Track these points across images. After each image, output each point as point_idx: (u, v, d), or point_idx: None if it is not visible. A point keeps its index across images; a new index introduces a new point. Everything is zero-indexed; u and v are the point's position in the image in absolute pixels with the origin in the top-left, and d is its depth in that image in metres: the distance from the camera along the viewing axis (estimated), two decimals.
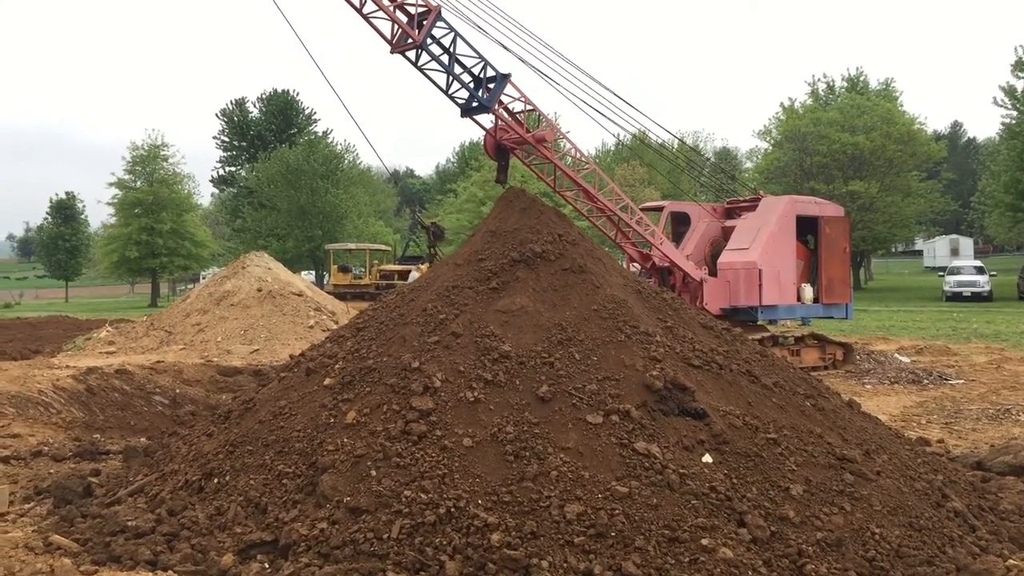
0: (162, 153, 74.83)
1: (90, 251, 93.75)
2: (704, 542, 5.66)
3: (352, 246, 52.27)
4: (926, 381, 16.99)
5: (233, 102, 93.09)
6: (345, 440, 6.65)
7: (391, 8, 14.82)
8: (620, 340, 7.45)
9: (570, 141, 18.48)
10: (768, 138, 66.00)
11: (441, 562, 5.59)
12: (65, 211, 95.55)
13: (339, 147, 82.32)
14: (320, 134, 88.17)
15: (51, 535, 6.79)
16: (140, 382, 14.64)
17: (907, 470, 7.27)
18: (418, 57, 15.44)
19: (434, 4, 15.15)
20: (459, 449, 6.33)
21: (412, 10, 15.03)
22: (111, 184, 73.98)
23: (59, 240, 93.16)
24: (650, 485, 6.07)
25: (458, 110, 16.38)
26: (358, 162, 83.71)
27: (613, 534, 5.70)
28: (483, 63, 15.91)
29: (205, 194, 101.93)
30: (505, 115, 16.67)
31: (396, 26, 15.03)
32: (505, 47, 15.65)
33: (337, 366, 7.79)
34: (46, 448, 10.33)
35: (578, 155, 18.45)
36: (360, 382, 7.34)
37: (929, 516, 6.50)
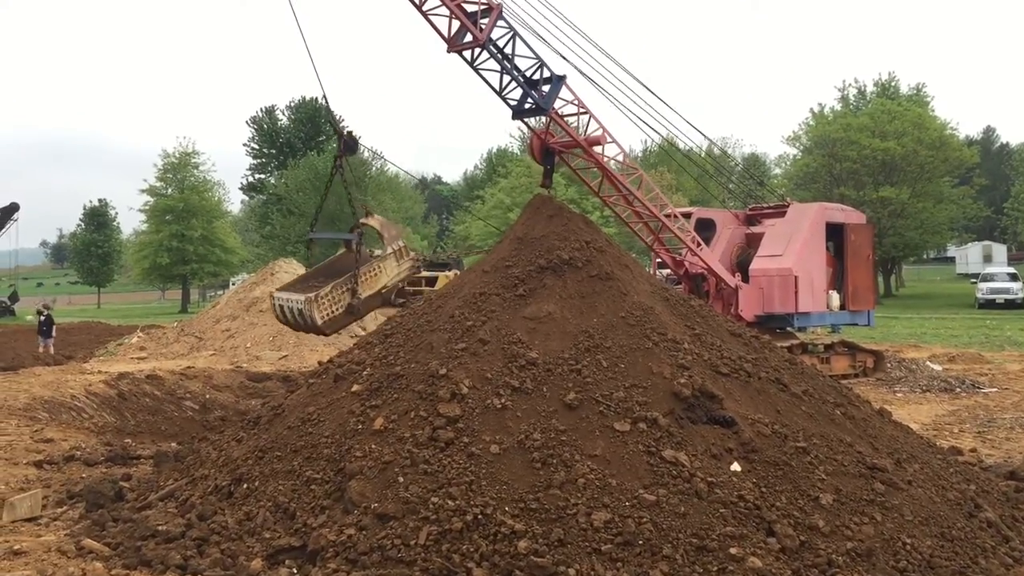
0: (193, 161, 75.66)
1: (122, 257, 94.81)
2: (732, 551, 5.62)
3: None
4: (958, 389, 16.77)
5: (263, 110, 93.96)
6: (373, 446, 6.68)
7: (453, 4, 14.28)
8: (647, 347, 7.43)
9: (619, 145, 18.31)
10: (797, 144, 65.47)
11: (468, 569, 5.59)
12: (98, 218, 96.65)
13: (367, 154, 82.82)
14: None
15: (83, 539, 6.87)
16: (171, 387, 14.79)
17: (939, 480, 7.18)
18: (475, 57, 15.00)
19: (496, 2, 14.74)
20: (486, 456, 6.34)
21: (471, 7, 14.58)
22: (143, 191, 74.89)
23: (92, 247, 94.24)
24: (678, 493, 6.04)
25: (501, 112, 16.06)
26: (386, 169, 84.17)
27: (640, 542, 5.68)
28: (539, 64, 15.45)
29: (235, 201, 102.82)
30: (559, 117, 16.46)
31: (454, 24, 14.52)
32: (559, 53, 15.37)
33: (365, 373, 7.82)
34: (78, 452, 10.44)
35: (626, 160, 18.17)
36: (388, 389, 7.36)
37: (961, 526, 6.42)
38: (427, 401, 6.93)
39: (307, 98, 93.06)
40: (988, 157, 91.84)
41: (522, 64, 15.37)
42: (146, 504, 7.70)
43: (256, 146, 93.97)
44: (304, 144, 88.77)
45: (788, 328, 19.42)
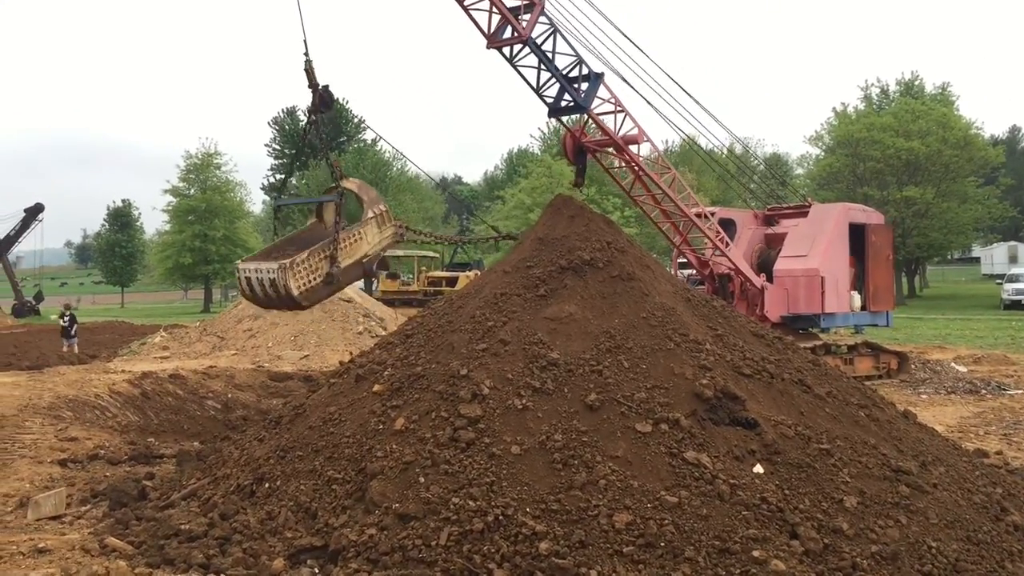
0: (215, 161, 76.09)
1: (145, 258, 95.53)
2: (755, 554, 5.58)
3: (400, 253, 52.42)
4: (984, 391, 16.61)
5: (284, 111, 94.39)
6: (394, 447, 6.68)
7: None
8: (669, 348, 7.39)
9: (654, 145, 18.12)
10: (820, 144, 65.05)
11: (489, 570, 5.58)
12: (121, 218, 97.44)
13: (387, 155, 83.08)
14: (369, 142, 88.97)
15: (107, 537, 6.92)
16: (193, 387, 14.86)
17: (965, 483, 7.10)
18: (515, 53, 14.82)
19: None
20: (507, 457, 6.33)
21: (512, 3, 14.35)
22: (165, 191, 75.42)
23: (115, 247, 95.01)
24: (700, 495, 6.00)
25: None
26: (406, 169, 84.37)
27: (663, 544, 5.65)
28: (578, 61, 15.28)
29: (257, 201, 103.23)
30: (596, 116, 16.07)
31: (494, 19, 14.40)
32: (593, 51, 15.18)
33: (386, 373, 7.83)
34: (102, 452, 10.52)
35: (660, 159, 17.87)
36: (409, 389, 7.37)
37: (988, 530, 6.35)
38: (448, 401, 6.93)
39: None
40: (1014, 156, 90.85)
41: (559, 62, 15.09)
42: (169, 503, 7.74)
43: (278, 147, 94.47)
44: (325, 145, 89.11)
45: (812, 329, 19.35)
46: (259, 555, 6.19)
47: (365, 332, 23.99)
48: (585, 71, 15.28)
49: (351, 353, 13.86)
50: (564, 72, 15.16)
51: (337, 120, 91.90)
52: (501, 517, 5.87)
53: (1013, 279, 49.88)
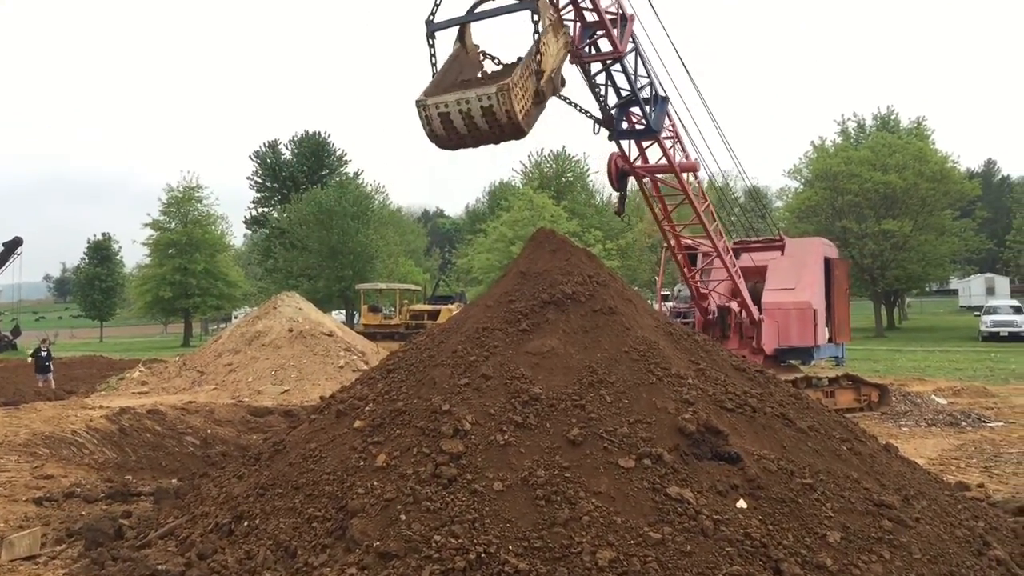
0: (196, 195, 75.91)
1: (125, 291, 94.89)
2: None
3: (382, 286, 52.47)
4: (964, 423, 16.67)
5: (266, 144, 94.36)
6: (375, 483, 6.62)
7: (601, 9, 12.68)
8: (651, 382, 7.39)
9: (709, 172, 17.99)
10: (799, 177, 65.67)
11: None
12: (101, 252, 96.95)
13: (370, 188, 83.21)
14: (351, 175, 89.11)
15: None
16: (172, 422, 14.72)
17: (947, 516, 7.11)
18: (597, 70, 13.69)
19: (629, 12, 13.46)
20: (489, 493, 6.28)
21: (589, 16, 12.93)
22: (146, 225, 75.11)
23: (95, 280, 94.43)
24: (683, 531, 5.97)
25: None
26: (388, 202, 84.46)
27: None
28: (650, 82, 14.39)
29: (238, 234, 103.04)
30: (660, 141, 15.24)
31: (576, 33, 13.02)
32: (657, 74, 14.38)
33: (367, 408, 7.78)
34: (78, 489, 10.38)
35: (701, 189, 17.32)
36: (390, 424, 7.32)
37: (970, 564, 6.34)
38: (430, 437, 6.88)
39: (310, 132, 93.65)
40: (989, 190, 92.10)
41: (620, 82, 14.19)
42: (146, 542, 7.63)
43: (259, 180, 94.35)
44: (307, 178, 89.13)
45: (797, 361, 19.57)
46: None
47: (346, 366, 23.86)
48: (652, 93, 14.54)
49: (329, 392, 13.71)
50: (621, 95, 14.32)
51: (319, 153, 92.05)
52: (483, 555, 5.81)
53: (991, 311, 50.31)
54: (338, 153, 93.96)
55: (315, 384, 22.00)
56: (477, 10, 10.79)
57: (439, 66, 10.78)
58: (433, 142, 10.46)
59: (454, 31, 11.13)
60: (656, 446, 6.66)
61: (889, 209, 56.25)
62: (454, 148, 10.63)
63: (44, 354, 26.63)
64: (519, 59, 10.44)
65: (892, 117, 70.59)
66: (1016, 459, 13.01)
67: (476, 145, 10.46)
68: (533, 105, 9.83)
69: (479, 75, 10.48)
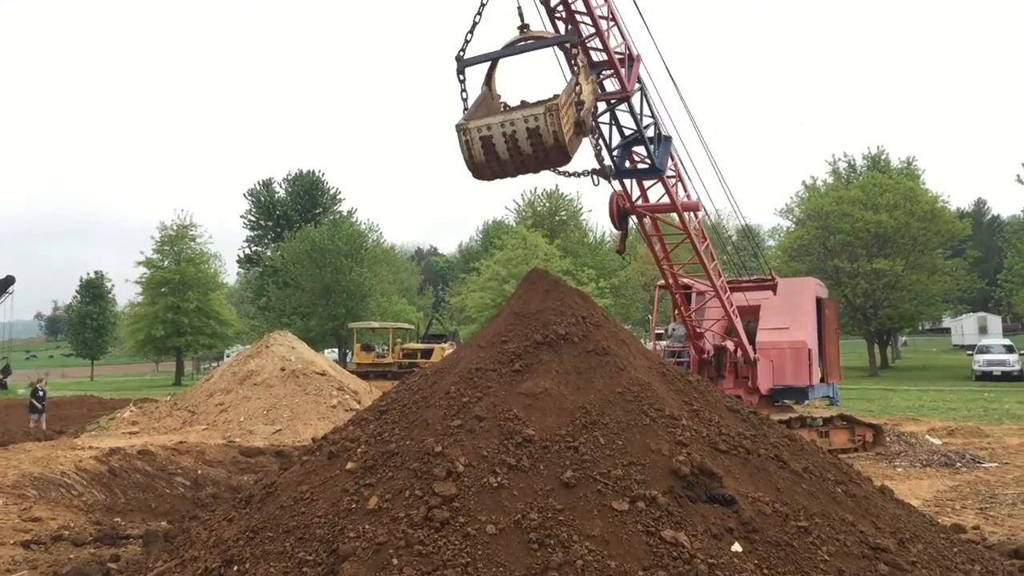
0: (190, 233, 76.07)
1: (116, 330, 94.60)
2: None
3: (375, 324, 52.39)
4: (959, 464, 16.62)
5: (260, 182, 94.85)
6: (367, 526, 6.55)
7: (611, 50, 12.77)
8: (645, 424, 7.35)
9: (707, 213, 17.97)
10: (791, 216, 66.15)
11: None
12: (93, 290, 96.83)
13: (363, 226, 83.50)
14: (345, 213, 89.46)
15: None
16: (162, 463, 14.60)
17: (943, 560, 7.06)
18: (600, 111, 13.58)
19: (635, 52, 13.61)
20: (482, 536, 6.21)
21: (597, 56, 13.00)
22: (139, 263, 75.16)
23: (87, 319, 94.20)
24: (678, 575, 5.91)
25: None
26: (382, 241, 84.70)
27: None
28: (653, 121, 14.38)
29: (231, 272, 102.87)
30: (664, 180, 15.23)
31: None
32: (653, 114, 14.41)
33: (359, 450, 7.72)
34: (67, 532, 10.27)
35: (700, 228, 17.36)
36: (382, 466, 7.26)
37: None
38: (422, 479, 6.82)
39: (304, 171, 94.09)
40: (980, 229, 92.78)
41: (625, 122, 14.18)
42: None
43: (253, 218, 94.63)
44: (301, 216, 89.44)
45: (792, 401, 19.55)
46: None
47: (339, 405, 23.74)
48: (656, 132, 14.54)
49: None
50: (624, 134, 14.38)
51: (312, 192, 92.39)
52: None
53: (984, 350, 50.42)
54: (332, 191, 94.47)
55: (307, 424, 21.87)
56: (517, 45, 10.71)
57: (469, 103, 10.69)
58: (471, 170, 10.21)
59: (483, 69, 11.06)
60: (650, 488, 6.61)
61: (881, 248, 56.60)
62: (491, 178, 10.37)
63: (41, 394, 26.64)
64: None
65: (882, 157, 71.34)
66: (1011, 500, 12.96)
67: (516, 174, 10.23)
68: (575, 135, 9.75)
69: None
